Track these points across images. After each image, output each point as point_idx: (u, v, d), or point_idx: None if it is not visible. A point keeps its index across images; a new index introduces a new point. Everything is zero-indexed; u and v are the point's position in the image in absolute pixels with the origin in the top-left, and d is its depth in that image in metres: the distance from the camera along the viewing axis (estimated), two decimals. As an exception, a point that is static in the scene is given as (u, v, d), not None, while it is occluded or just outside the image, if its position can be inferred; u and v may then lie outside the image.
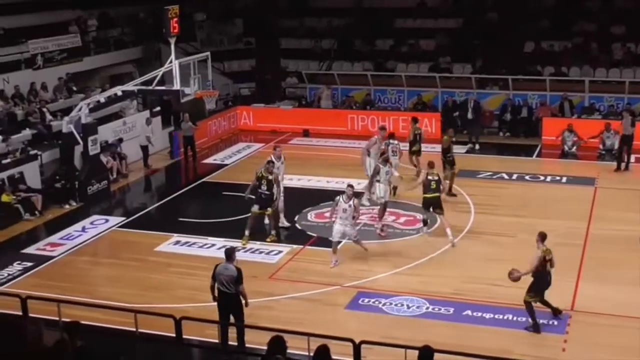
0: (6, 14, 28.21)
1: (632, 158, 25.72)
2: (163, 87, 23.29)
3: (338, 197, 17.99)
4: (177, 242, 20.01)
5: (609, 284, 16.78)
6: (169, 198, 24.35)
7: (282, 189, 20.35)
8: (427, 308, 15.93)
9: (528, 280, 14.86)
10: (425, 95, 32.43)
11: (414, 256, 18.66)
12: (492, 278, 16.82)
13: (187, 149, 28.04)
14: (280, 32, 36.50)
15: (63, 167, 23.98)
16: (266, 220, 19.96)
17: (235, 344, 13.53)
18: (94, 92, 27.32)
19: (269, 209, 19.47)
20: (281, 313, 15.82)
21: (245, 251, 19.01)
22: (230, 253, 14.02)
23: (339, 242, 18.39)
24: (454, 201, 22.24)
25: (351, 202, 17.85)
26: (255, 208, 19.42)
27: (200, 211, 22.79)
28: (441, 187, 20.04)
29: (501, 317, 15.47)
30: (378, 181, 20.40)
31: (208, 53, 23.92)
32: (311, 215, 21.66)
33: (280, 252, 19.14)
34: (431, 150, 25.70)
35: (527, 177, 24.96)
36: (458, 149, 25.17)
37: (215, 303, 13.93)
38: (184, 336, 12.48)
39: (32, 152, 23.82)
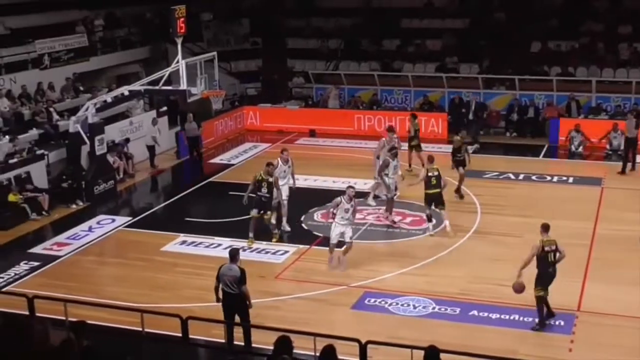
0: (13, 14, 28.29)
1: (638, 158, 25.65)
2: (170, 87, 23.32)
3: (339, 198, 17.88)
4: (184, 242, 20.03)
5: (616, 284, 16.74)
6: (175, 198, 24.38)
7: (287, 192, 20.37)
8: (433, 308, 15.92)
9: (534, 277, 14.88)
10: (432, 95, 32.41)
11: (420, 256, 18.66)
12: (499, 278, 16.80)
13: (192, 149, 28.02)
14: (287, 32, 36.49)
15: (70, 166, 24.02)
16: (273, 220, 19.95)
17: (242, 343, 13.54)
18: (100, 92, 27.35)
19: (268, 213, 19.45)
20: (287, 313, 15.83)
21: (252, 251, 19.05)
22: (234, 254, 14.01)
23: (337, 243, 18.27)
24: (460, 201, 22.23)
25: (352, 203, 17.80)
26: (254, 212, 19.30)
27: (206, 211, 22.79)
28: (442, 183, 20.04)
29: (507, 317, 15.45)
30: (386, 175, 20.44)
31: (215, 53, 23.94)
32: (317, 216, 21.66)
33: (286, 252, 19.15)
34: (437, 151, 25.72)
35: (533, 178, 24.92)
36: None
37: (219, 304, 13.94)
38: (190, 336, 12.47)
39: (39, 151, 23.89)
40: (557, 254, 14.77)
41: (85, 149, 24.00)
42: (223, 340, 13.52)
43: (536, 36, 33.28)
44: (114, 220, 22.01)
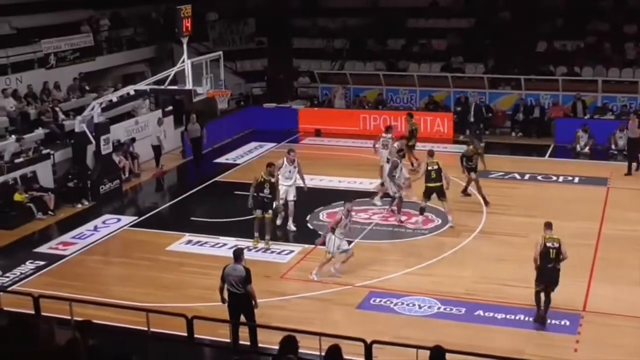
0: (19, 14, 28.35)
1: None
2: (175, 87, 23.34)
3: (339, 215, 17.54)
4: (189, 242, 20.04)
5: (621, 284, 16.73)
6: (180, 197, 24.39)
7: (294, 193, 20.36)
8: (439, 308, 15.91)
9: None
10: (437, 95, 32.38)
11: (425, 256, 18.65)
12: (504, 278, 16.83)
13: (195, 150, 27.90)
14: (292, 32, 36.50)
15: (75, 166, 24.04)
16: (278, 222, 19.96)
17: (247, 343, 13.54)
18: (106, 92, 27.38)
19: (270, 212, 19.43)
20: (293, 313, 15.83)
21: (257, 251, 19.06)
22: (238, 254, 14.01)
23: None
24: (466, 201, 22.21)
25: (350, 219, 17.72)
26: (258, 213, 19.30)
27: (212, 211, 22.79)
28: (442, 177, 20.11)
29: (513, 317, 15.43)
30: (394, 176, 20.48)
31: (220, 52, 23.97)
32: (323, 215, 21.66)
33: (291, 251, 19.16)
34: (443, 151, 25.72)
35: (539, 177, 24.89)
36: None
37: (224, 304, 13.94)
38: (196, 335, 12.49)
39: (45, 151, 23.92)
40: (560, 254, 14.78)
41: (91, 149, 24.02)
42: (228, 340, 13.54)
43: (542, 36, 33.23)
44: (119, 220, 22.03)
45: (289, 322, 14.01)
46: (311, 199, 21.64)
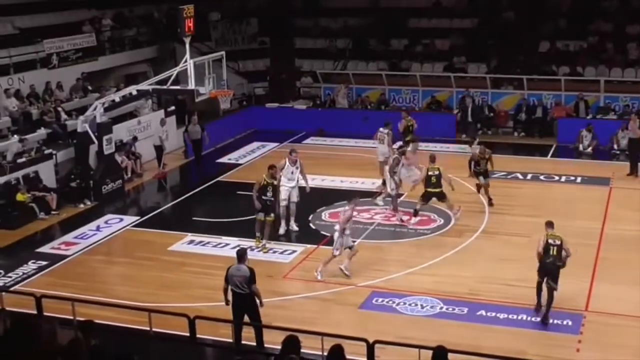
0: (22, 14, 28.38)
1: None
2: (178, 87, 23.36)
3: (349, 213, 17.56)
4: (191, 242, 20.04)
5: (624, 284, 16.71)
6: (183, 197, 24.40)
7: (297, 193, 20.35)
8: (441, 308, 15.90)
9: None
10: (440, 95, 32.37)
11: (427, 256, 18.63)
12: (507, 278, 16.82)
13: (196, 151, 27.90)
14: (295, 32, 36.48)
15: (78, 166, 24.06)
16: (281, 231, 20.00)
17: (249, 343, 13.53)
18: (108, 92, 27.39)
19: (272, 215, 19.38)
20: (295, 312, 15.83)
21: (259, 251, 19.04)
22: (241, 254, 13.99)
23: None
24: (468, 201, 22.16)
25: (349, 224, 17.71)
26: (260, 215, 19.20)
27: (214, 210, 22.78)
28: (442, 182, 20.13)
29: (515, 317, 15.43)
30: (395, 172, 20.49)
31: (223, 52, 23.93)
32: (325, 215, 21.65)
33: (294, 251, 19.15)
34: (445, 151, 25.71)
35: (541, 177, 24.88)
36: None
37: (228, 305, 13.93)
38: (198, 335, 12.49)
39: (47, 151, 23.94)
40: (561, 252, 14.79)
41: (93, 149, 24.02)
42: (231, 340, 13.52)
43: (545, 36, 33.20)
44: (121, 220, 22.04)
45: (291, 322, 13.98)
46: (313, 199, 21.62)
